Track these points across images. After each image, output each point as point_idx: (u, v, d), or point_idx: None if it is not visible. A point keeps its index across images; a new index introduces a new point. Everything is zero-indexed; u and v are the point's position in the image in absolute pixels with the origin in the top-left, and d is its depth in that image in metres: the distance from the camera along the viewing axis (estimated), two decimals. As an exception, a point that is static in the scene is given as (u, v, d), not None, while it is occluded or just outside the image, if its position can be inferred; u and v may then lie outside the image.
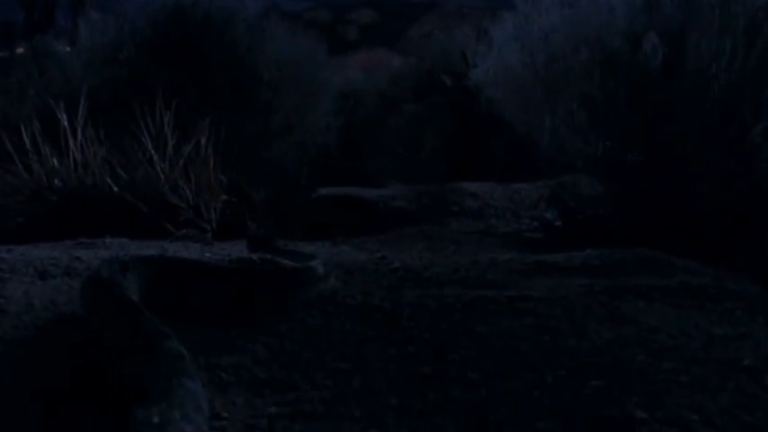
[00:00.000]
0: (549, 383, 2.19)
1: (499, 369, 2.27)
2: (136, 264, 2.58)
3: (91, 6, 12.16)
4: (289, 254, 3.17)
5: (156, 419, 1.46)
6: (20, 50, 12.89)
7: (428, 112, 9.04)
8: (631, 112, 4.57)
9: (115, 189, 5.15)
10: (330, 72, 8.27)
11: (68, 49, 9.38)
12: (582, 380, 2.22)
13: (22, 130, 5.41)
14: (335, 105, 8.48)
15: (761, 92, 4.38)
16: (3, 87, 7.79)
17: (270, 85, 7.12)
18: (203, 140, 5.17)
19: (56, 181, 5.49)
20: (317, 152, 8.09)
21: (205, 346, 2.29)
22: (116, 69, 6.92)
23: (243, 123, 7.04)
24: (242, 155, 7.14)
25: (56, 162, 5.40)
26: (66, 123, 5.46)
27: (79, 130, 5.29)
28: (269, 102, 7.13)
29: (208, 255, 3.36)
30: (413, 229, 5.21)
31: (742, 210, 4.50)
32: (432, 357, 2.34)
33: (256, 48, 7.16)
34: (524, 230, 5.15)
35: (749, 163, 4.44)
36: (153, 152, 5.17)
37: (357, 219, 5.85)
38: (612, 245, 3.71)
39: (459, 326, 2.54)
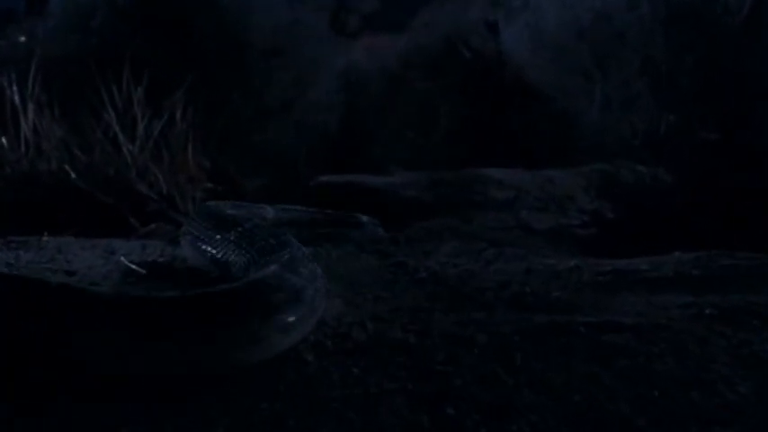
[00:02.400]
0: (679, 476, 1.38)
1: (594, 449, 1.46)
2: None
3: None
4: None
5: None
6: (22, 39, 12.21)
7: (441, 90, 8.21)
8: (703, 79, 3.74)
9: (73, 175, 4.34)
10: (332, 45, 7.44)
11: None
12: (726, 467, 1.42)
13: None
14: (338, 83, 7.65)
15: None
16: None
17: (264, 57, 6.31)
18: (178, 116, 4.35)
19: (6, 168, 4.69)
20: (317, 135, 7.28)
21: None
22: (85, 38, 6.11)
23: (233, 100, 6.23)
24: (231, 136, 6.33)
25: (5, 143, 4.59)
26: (17, 99, 4.65)
27: (30, 107, 4.48)
28: (263, 76, 6.32)
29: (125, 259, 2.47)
30: (434, 224, 4.41)
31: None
32: (485, 428, 1.53)
33: (249, 14, 6.35)
34: (571, 226, 4.33)
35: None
36: (119, 131, 4.35)
37: (363, 211, 5.04)
38: (688, 244, 2.89)
39: (521, 373, 1.74)
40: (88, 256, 2.71)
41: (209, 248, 2.16)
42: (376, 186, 5.42)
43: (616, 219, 4.03)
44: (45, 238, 3.01)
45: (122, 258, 2.35)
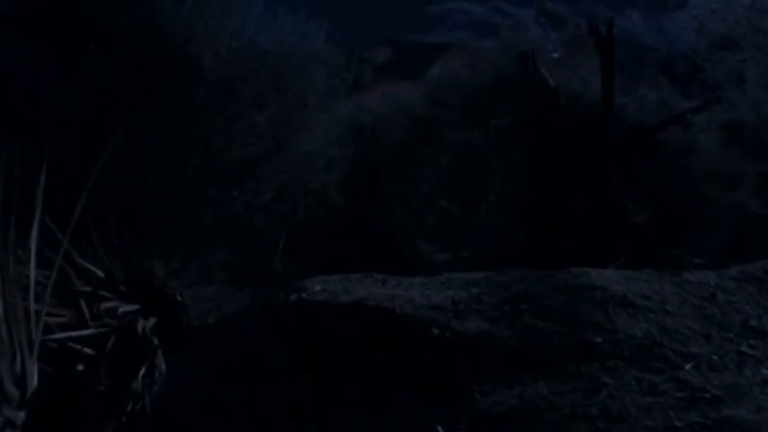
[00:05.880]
0: None
1: None
2: None
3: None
4: None
5: None
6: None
7: (490, 139, 5.95)
8: None
9: None
10: (334, 71, 5.18)
11: None
12: None
13: None
14: (342, 129, 5.42)
15: None
16: None
17: (223, 86, 4.08)
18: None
19: None
20: (309, 206, 5.01)
21: None
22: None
23: (166, 151, 4.01)
24: (165, 210, 4.08)
25: None
26: None
27: None
28: (217, 113, 4.07)
29: None
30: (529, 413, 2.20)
31: None
32: None
33: (198, 16, 4.14)
34: None
35: None
36: None
37: (385, 370, 2.77)
38: None
39: None
40: None
41: None
42: (408, 311, 3.10)
43: None
44: None
45: None
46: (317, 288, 3.64)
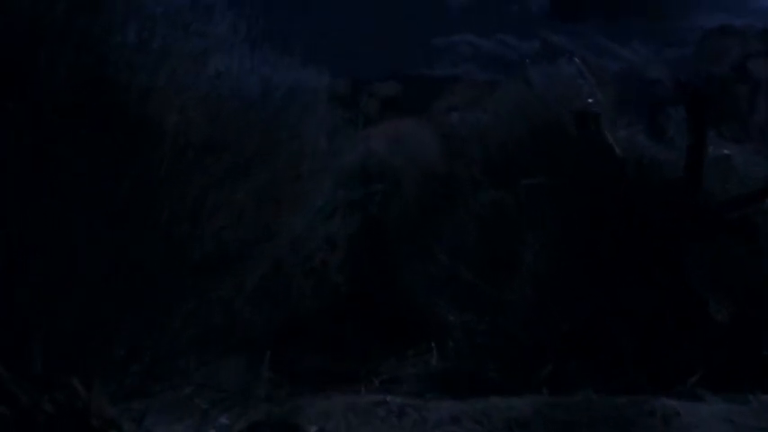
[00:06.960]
0: None
1: None
2: None
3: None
4: None
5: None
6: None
7: (523, 201, 5.05)
8: None
9: None
10: (333, 126, 4.27)
11: None
12: None
13: None
14: (343, 193, 4.52)
15: None
16: None
17: (188, 151, 3.18)
18: None
19: None
20: (306, 289, 4.12)
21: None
22: None
23: (118, 239, 3.12)
24: (115, 315, 3.18)
25: None
26: None
27: None
28: (185, 187, 3.18)
29: None
30: None
31: None
32: None
33: (164, 61, 3.25)
34: None
35: None
36: None
37: None
38: None
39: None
40: None
41: None
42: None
43: None
44: None
45: None
46: (313, 430, 2.73)
